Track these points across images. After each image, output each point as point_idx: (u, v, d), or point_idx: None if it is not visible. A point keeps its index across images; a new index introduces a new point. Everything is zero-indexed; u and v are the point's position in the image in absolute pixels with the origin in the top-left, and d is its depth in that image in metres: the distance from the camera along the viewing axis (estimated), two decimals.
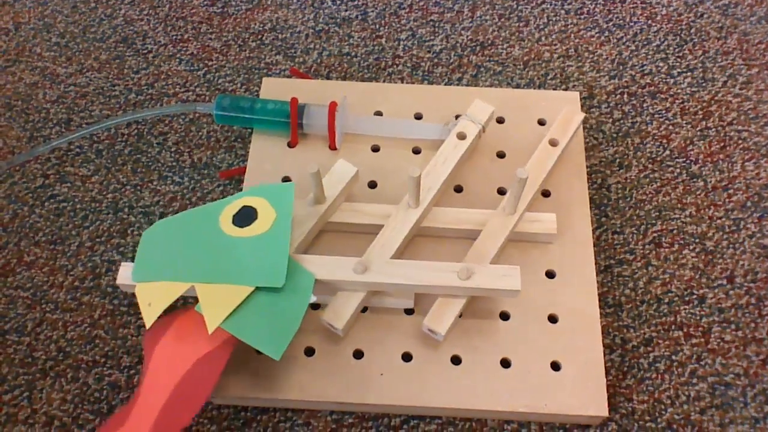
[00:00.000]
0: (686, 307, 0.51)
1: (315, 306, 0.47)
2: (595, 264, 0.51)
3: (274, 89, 0.56)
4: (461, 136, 0.51)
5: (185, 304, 0.49)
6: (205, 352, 0.41)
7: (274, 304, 0.42)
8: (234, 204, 0.45)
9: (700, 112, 0.59)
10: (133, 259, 0.53)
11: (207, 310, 0.41)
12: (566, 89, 0.60)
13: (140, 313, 0.51)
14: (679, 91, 0.60)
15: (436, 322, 0.44)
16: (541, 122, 0.55)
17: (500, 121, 0.55)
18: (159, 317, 0.41)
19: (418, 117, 0.55)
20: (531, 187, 0.49)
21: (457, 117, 0.54)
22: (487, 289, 0.44)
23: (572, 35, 0.64)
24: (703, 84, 0.61)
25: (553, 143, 0.51)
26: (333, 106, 0.52)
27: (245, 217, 0.45)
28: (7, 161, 0.55)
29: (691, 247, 0.53)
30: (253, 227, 0.44)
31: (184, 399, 0.40)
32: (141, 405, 0.40)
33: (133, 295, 0.51)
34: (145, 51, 0.63)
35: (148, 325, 0.41)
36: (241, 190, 0.53)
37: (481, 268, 0.44)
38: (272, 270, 0.42)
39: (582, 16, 0.65)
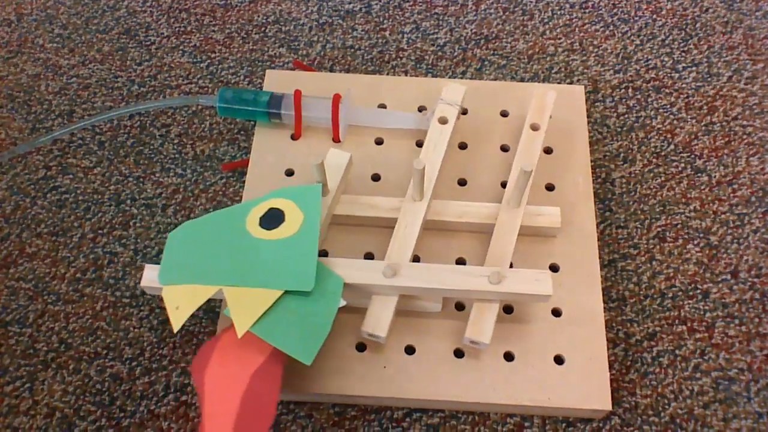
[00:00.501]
0: (690, 301, 0.50)
1: None
2: (599, 258, 0.50)
3: (278, 82, 0.56)
4: (443, 121, 0.51)
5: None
6: (256, 367, 0.39)
7: (304, 308, 0.41)
8: (261, 206, 0.45)
9: (704, 107, 0.59)
10: (135, 252, 0.53)
11: (236, 313, 0.40)
12: (570, 83, 0.60)
13: (142, 305, 0.50)
14: (684, 85, 0.60)
15: (478, 333, 0.43)
16: None
17: (504, 114, 0.55)
18: (186, 321, 0.40)
19: (422, 109, 0.55)
20: (526, 175, 0.49)
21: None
22: (518, 293, 0.43)
23: (577, 29, 0.63)
24: (708, 79, 0.61)
25: (534, 128, 0.51)
26: (337, 99, 0.52)
27: (272, 219, 0.44)
28: (9, 151, 0.55)
29: (696, 242, 0.53)
30: (280, 230, 0.43)
31: (251, 417, 0.39)
32: None
33: (135, 287, 0.51)
34: (148, 43, 0.63)
35: (176, 329, 0.40)
36: (243, 182, 0.53)
37: (512, 272, 0.44)
38: (301, 274, 0.42)
39: (587, 10, 0.64)
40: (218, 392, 0.39)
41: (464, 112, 0.55)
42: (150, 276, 0.44)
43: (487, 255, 0.46)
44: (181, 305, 0.41)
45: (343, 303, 0.42)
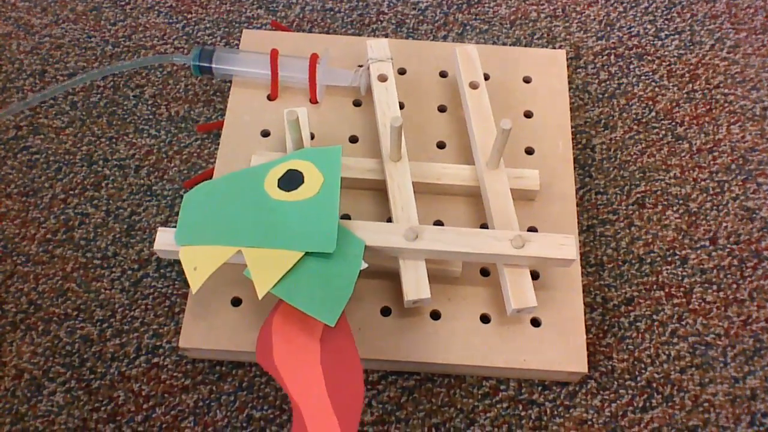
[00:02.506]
0: (668, 267, 0.50)
1: None
2: (578, 223, 0.50)
3: (255, 42, 0.55)
4: (383, 78, 0.50)
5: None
6: (321, 330, 0.39)
7: (325, 270, 0.40)
8: (279, 167, 0.44)
9: (686, 75, 0.59)
10: (107, 213, 0.52)
11: (256, 275, 0.39)
12: (553, 49, 0.59)
13: (114, 267, 0.49)
14: (666, 53, 0.60)
15: (522, 300, 0.43)
16: (527, 80, 0.54)
17: (485, 77, 0.54)
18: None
19: (402, 72, 0.54)
20: (491, 134, 0.48)
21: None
22: (542, 257, 0.42)
23: None
24: (691, 47, 0.60)
25: (474, 86, 0.50)
26: (314, 58, 0.51)
27: (291, 180, 0.43)
28: None
29: (675, 208, 0.52)
30: (300, 191, 0.42)
31: (341, 378, 0.38)
32: (311, 415, 0.36)
33: (107, 248, 0.50)
34: (123, 2, 0.61)
35: (194, 290, 0.40)
36: (218, 144, 0.52)
37: (536, 236, 0.43)
38: (323, 235, 0.41)
39: None
40: (297, 371, 0.38)
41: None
42: (163, 239, 0.42)
43: (493, 221, 0.45)
44: (199, 266, 0.40)
45: (364, 265, 0.41)
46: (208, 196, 0.43)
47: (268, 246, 0.41)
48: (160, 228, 0.43)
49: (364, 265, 0.41)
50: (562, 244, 0.43)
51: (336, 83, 0.52)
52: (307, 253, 0.40)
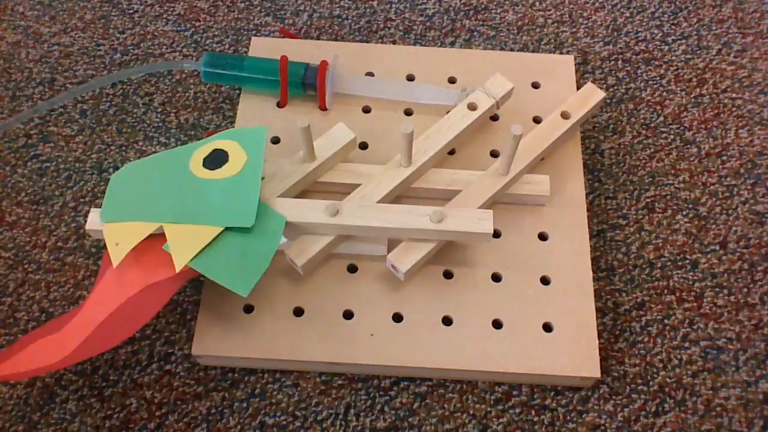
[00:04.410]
0: (679, 271, 0.50)
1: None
2: (588, 228, 0.50)
3: (264, 49, 0.55)
4: (472, 107, 0.50)
5: None
6: (155, 281, 0.41)
7: (244, 244, 0.41)
8: (205, 147, 0.45)
9: (694, 80, 0.59)
10: None
11: (175, 249, 0.41)
12: (561, 55, 0.59)
13: None
14: (673, 58, 0.60)
15: (399, 260, 0.44)
16: (535, 85, 0.54)
17: None
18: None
19: (410, 78, 0.54)
20: (530, 152, 0.48)
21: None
22: (459, 232, 0.43)
23: (566, 0, 0.63)
24: (698, 51, 0.60)
25: (565, 116, 0.50)
26: (324, 65, 0.51)
27: (216, 159, 0.44)
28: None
29: (684, 213, 0.52)
30: (223, 170, 0.44)
31: (123, 321, 0.41)
32: (81, 317, 0.40)
33: None
34: (131, 11, 0.62)
35: (115, 265, 0.41)
36: None
37: (454, 211, 0.43)
38: (242, 210, 0.42)
39: None
40: (109, 288, 0.41)
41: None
42: (94, 219, 0.43)
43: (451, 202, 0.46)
44: (121, 241, 0.41)
45: (284, 240, 0.42)
46: (135, 176, 0.44)
47: (189, 222, 0.42)
48: (92, 209, 0.44)
49: (284, 240, 0.43)
50: (480, 219, 0.43)
51: (437, 102, 0.52)
52: (227, 229, 0.41)
